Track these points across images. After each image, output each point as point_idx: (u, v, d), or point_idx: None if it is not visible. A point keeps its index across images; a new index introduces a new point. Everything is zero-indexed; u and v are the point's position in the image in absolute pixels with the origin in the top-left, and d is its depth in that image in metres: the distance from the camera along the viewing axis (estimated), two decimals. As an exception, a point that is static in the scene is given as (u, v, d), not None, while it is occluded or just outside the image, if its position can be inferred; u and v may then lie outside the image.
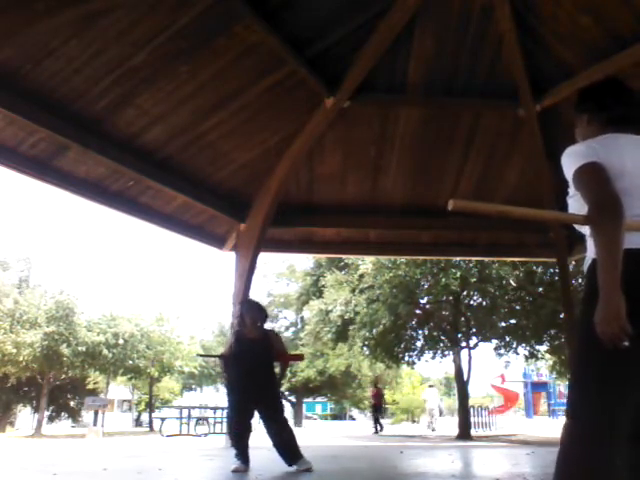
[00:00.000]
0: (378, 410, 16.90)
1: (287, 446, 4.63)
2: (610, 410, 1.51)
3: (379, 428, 16.21)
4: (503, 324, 13.13)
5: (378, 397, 16.75)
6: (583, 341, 1.64)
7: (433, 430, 17.17)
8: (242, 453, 4.60)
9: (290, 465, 4.59)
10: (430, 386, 21.58)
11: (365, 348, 14.89)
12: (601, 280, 1.50)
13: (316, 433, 17.18)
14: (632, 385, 1.54)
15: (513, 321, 12.85)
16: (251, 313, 4.90)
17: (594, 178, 1.63)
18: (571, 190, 1.75)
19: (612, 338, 1.44)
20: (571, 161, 1.71)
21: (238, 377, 4.74)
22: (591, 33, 5.52)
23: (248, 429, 4.72)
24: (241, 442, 4.65)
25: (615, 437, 1.50)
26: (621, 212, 1.53)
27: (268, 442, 4.70)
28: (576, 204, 1.71)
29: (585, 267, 1.70)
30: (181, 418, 15.43)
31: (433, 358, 14.11)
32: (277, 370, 5.04)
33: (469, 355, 13.26)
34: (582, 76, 5.87)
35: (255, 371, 4.68)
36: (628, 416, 1.53)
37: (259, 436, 5.28)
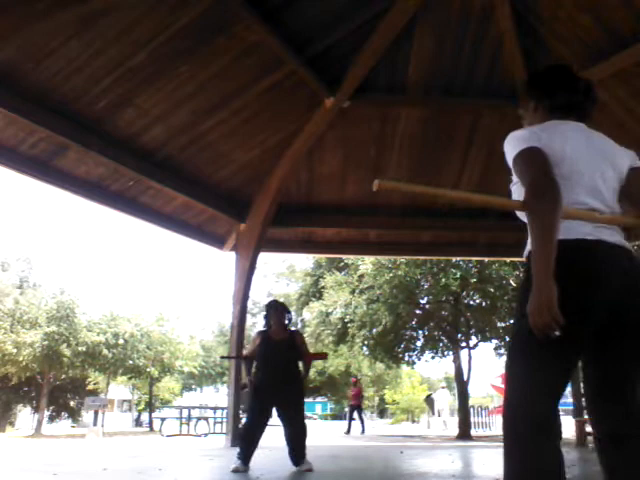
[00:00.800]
0: (358, 411, 15.86)
1: (298, 447, 4.64)
2: (536, 404, 1.48)
3: (348, 429, 15.21)
4: (503, 324, 13.13)
5: (358, 397, 15.74)
6: (513, 335, 1.62)
7: (444, 429, 17.07)
8: (247, 453, 4.56)
9: (296, 466, 4.61)
10: (442, 387, 21.53)
11: (365, 348, 14.86)
12: (534, 269, 1.45)
13: (316, 433, 17.17)
14: (561, 378, 1.51)
15: (513, 321, 12.84)
16: (277, 314, 4.90)
17: (532, 163, 1.58)
18: (514, 177, 1.70)
19: (543, 328, 1.39)
20: (512, 146, 1.67)
21: (263, 378, 4.71)
22: (591, 33, 5.52)
23: (261, 431, 4.66)
24: (250, 442, 4.59)
25: (542, 428, 1.46)
26: (557, 198, 1.47)
27: (269, 442, 4.69)
28: (519, 191, 1.65)
29: (524, 256, 1.63)
30: (181, 418, 15.44)
31: (433, 358, 14.13)
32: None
33: (469, 355, 13.27)
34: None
35: (281, 371, 4.68)
36: (553, 408, 1.50)
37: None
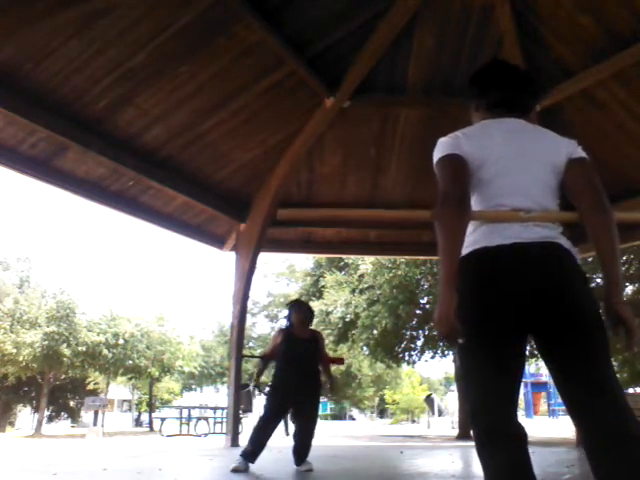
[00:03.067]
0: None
1: (303, 447, 4.64)
2: (486, 409, 1.47)
3: (286, 428, 13.28)
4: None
5: None
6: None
7: (453, 428, 17.11)
8: (254, 451, 4.50)
9: (296, 465, 4.60)
10: (451, 390, 21.70)
11: (365, 348, 14.87)
12: (439, 277, 1.46)
13: (316, 433, 17.10)
14: (506, 383, 1.48)
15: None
16: (300, 313, 4.88)
17: (444, 171, 1.60)
18: None
19: (445, 337, 1.41)
20: (435, 154, 1.67)
21: (286, 375, 4.67)
22: (591, 33, 5.52)
23: (273, 430, 4.62)
24: (260, 441, 4.54)
25: (498, 433, 1.44)
26: (460, 209, 1.47)
27: (268, 442, 4.67)
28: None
29: None
30: (181, 418, 15.44)
31: (433, 358, 14.13)
32: None
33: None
34: (582, 76, 5.88)
35: (304, 369, 4.67)
36: (507, 411, 1.47)
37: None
